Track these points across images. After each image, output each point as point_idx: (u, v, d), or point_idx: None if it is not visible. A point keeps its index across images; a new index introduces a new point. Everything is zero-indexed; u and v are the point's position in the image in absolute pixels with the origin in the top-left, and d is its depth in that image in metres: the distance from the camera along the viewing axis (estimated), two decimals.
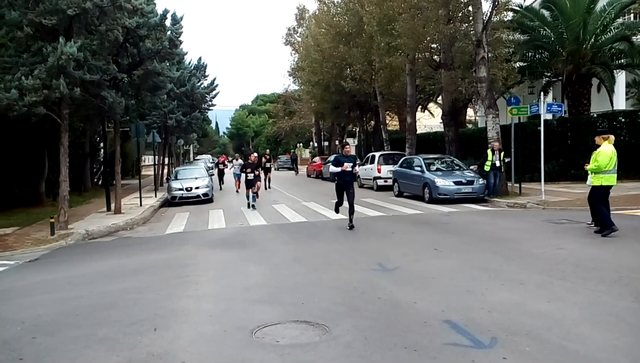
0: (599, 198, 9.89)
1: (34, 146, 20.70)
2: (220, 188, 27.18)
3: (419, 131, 29.65)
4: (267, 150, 42.82)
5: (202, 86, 32.77)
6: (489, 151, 16.91)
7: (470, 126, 36.12)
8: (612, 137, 10.07)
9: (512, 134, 17.75)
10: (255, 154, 21.54)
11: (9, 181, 19.78)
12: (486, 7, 18.25)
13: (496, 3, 17.76)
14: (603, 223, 9.77)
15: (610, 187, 10.02)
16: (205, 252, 10.10)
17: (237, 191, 23.68)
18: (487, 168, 16.82)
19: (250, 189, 17.94)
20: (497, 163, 16.69)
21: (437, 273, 7.25)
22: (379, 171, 22.85)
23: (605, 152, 9.76)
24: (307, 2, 68.17)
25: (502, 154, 16.90)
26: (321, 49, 31.64)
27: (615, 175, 9.94)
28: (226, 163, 31.46)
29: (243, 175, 19.01)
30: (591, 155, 10.19)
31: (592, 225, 10.40)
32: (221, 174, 29.62)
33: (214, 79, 34.52)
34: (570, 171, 20.03)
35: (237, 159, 27.60)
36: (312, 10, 40.79)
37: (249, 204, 17.76)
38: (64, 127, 13.90)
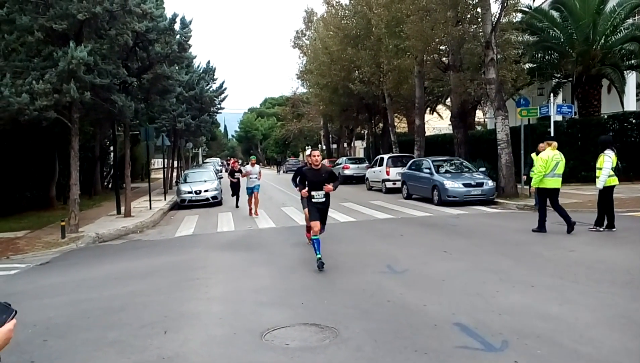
0: (542, 199, 10.85)
1: (45, 150, 20.86)
2: (237, 205, 19.54)
3: (427, 133, 29.59)
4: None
5: (210, 89, 32.88)
6: (534, 155, 13.81)
7: (479, 127, 35.97)
8: (555, 143, 10.79)
9: (522, 135, 17.65)
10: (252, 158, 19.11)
11: (21, 184, 19.94)
12: (495, 8, 18.16)
13: (505, 4, 17.69)
14: (540, 222, 10.62)
15: (555, 189, 10.62)
16: (215, 255, 10.12)
17: (251, 214, 16.46)
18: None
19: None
20: None
21: (446, 276, 7.22)
22: (388, 173, 22.81)
23: (541, 157, 10.65)
24: (315, 5, 68.52)
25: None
26: (329, 51, 31.66)
27: (559, 179, 10.60)
28: (241, 168, 20.27)
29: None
30: (597, 158, 10.43)
31: (595, 228, 10.37)
32: (235, 187, 20.00)
33: (223, 83, 34.52)
34: (581, 173, 19.88)
35: (252, 165, 17.18)
36: (320, 13, 40.83)
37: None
38: (75, 131, 13.99)
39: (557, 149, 10.69)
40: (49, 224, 15.65)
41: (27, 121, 13.32)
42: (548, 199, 10.68)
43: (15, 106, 12.20)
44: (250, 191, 16.49)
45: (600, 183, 10.23)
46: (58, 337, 5.51)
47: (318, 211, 8.45)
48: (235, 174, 20.00)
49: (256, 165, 17.15)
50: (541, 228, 10.57)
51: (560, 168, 10.57)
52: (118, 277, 8.52)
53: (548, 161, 10.47)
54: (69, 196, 14.87)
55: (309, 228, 9.45)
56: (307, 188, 8.52)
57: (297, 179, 9.66)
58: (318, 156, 8.62)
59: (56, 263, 10.53)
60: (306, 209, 9.53)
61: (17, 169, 19.49)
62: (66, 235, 12.90)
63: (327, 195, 8.51)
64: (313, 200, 8.42)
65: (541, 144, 10.89)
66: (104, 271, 9.22)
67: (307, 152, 13.21)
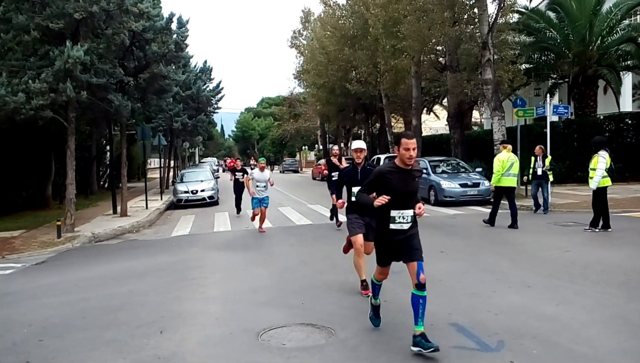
0: (497, 196, 12.10)
1: (41, 150, 20.79)
2: (238, 213, 16.85)
3: (424, 134, 29.61)
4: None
5: (207, 89, 32.85)
6: (533, 158, 14.29)
7: (476, 128, 36.01)
8: (510, 146, 12.28)
9: (518, 136, 17.69)
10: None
11: (16, 184, 19.86)
12: (492, 9, 18.21)
13: (502, 5, 17.74)
14: (491, 216, 11.84)
15: (511, 188, 11.86)
16: (212, 255, 10.11)
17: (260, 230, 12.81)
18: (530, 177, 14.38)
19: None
20: (539, 171, 13.85)
21: (443, 276, 7.22)
22: None
23: (497, 158, 11.99)
24: (312, 4, 68.42)
25: (548, 160, 13.94)
26: (326, 51, 31.66)
27: (514, 178, 11.92)
28: (247, 170, 16.58)
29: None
30: (591, 159, 10.58)
31: (591, 229, 10.41)
32: (239, 189, 16.93)
33: (220, 82, 34.61)
34: (577, 173, 19.93)
35: (262, 169, 12.80)
36: (318, 13, 40.86)
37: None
38: (71, 130, 13.96)
39: (553, 149, 10.88)
40: (44, 224, 15.60)
41: (23, 120, 13.28)
42: (495, 193, 12.19)
43: (12, 105, 12.16)
44: (257, 204, 12.57)
45: (593, 184, 10.28)
46: (54, 337, 5.49)
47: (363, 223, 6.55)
48: (237, 173, 17.18)
49: (267, 170, 12.74)
50: (492, 221, 11.76)
51: (515, 169, 11.85)
52: (114, 277, 8.50)
53: (504, 163, 11.74)
54: (65, 196, 14.83)
55: (350, 245, 6.97)
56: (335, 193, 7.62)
57: (335, 181, 8.16)
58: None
59: (52, 262, 10.50)
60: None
61: (13, 169, 19.42)
62: (62, 234, 12.86)
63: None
64: (353, 199, 6.78)
65: (500, 147, 12.60)
66: (100, 271, 9.19)
67: (353, 146, 7.02)
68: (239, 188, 16.93)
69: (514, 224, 11.31)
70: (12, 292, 7.86)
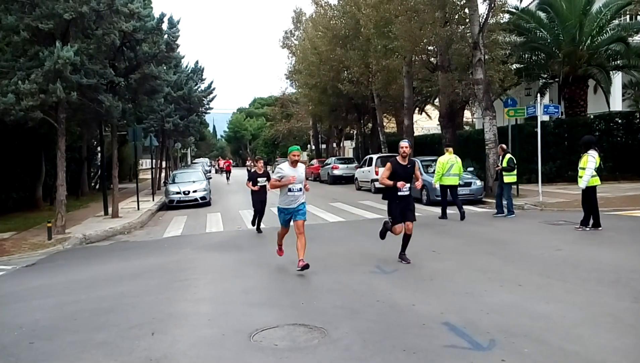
0: (442, 193, 13.62)
1: (31, 151, 20.65)
2: (259, 229, 12.85)
3: (416, 133, 29.67)
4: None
5: (199, 89, 32.76)
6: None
7: (467, 127, 36.14)
8: (451, 149, 13.97)
9: (509, 135, 17.76)
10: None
11: (6, 185, 19.71)
12: (482, 9, 18.28)
13: (492, 5, 17.80)
14: (443, 211, 13.35)
15: (453, 186, 13.45)
16: (204, 256, 10.08)
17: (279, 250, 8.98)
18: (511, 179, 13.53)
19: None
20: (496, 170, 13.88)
21: (435, 275, 7.25)
22: (377, 173, 22.78)
23: (439, 160, 13.76)
24: (304, 5, 68.48)
25: (506, 159, 13.37)
26: (318, 51, 31.66)
27: (455, 177, 13.50)
28: (269, 172, 13.69)
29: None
30: (580, 158, 10.65)
31: (582, 228, 10.48)
32: (261, 201, 12.77)
33: (211, 83, 34.43)
34: (568, 173, 20.06)
35: (294, 164, 8.21)
36: (309, 13, 40.89)
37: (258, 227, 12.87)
38: (61, 131, 13.87)
39: (544, 148, 10.96)
40: (35, 226, 15.49)
41: (12, 121, 13.19)
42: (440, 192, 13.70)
43: (1, 106, 12.09)
44: (288, 216, 8.23)
45: (583, 183, 10.35)
46: (45, 339, 5.45)
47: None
48: (259, 180, 12.59)
49: (300, 164, 8.30)
50: (443, 215, 13.21)
51: (455, 169, 13.47)
52: (105, 278, 8.46)
53: (445, 164, 13.47)
54: (55, 197, 14.74)
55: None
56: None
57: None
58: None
59: (42, 264, 10.43)
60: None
61: (3, 170, 19.27)
62: (53, 236, 12.79)
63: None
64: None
65: (445, 149, 14.21)
66: (91, 272, 9.14)
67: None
68: (260, 199, 12.65)
69: (462, 217, 12.74)
70: (2, 294, 7.80)
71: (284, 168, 8.16)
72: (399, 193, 7.99)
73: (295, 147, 8.36)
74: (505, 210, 13.22)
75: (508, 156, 13.45)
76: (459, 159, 13.82)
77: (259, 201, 12.73)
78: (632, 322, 5.10)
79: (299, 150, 8.36)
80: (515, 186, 17.61)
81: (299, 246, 7.91)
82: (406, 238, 8.21)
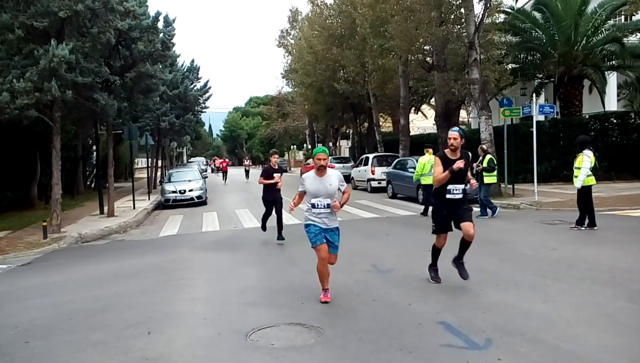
0: (425, 191, 13.88)
1: (26, 149, 20.56)
2: (281, 237, 10.85)
3: (412, 133, 29.73)
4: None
5: (195, 88, 32.68)
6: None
7: (463, 127, 36.22)
8: (431, 150, 13.97)
9: (505, 135, 17.81)
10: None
11: (1, 184, 19.62)
12: (478, 9, 18.31)
13: (488, 5, 17.83)
14: (425, 208, 13.73)
15: (430, 185, 12.88)
16: (200, 255, 10.06)
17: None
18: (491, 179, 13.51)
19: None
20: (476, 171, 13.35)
21: None
22: (373, 172, 22.87)
23: (419, 161, 13.95)
24: (300, 4, 68.36)
25: (486, 159, 13.38)
26: (314, 51, 31.65)
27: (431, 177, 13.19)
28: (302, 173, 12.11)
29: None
30: (576, 158, 10.69)
31: (577, 227, 10.52)
32: (271, 201, 11.27)
33: (207, 82, 34.32)
34: (563, 172, 20.11)
35: (323, 165, 6.25)
36: (305, 12, 40.81)
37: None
38: (56, 130, 13.82)
39: (539, 148, 10.96)
40: (30, 225, 15.43)
41: (7, 119, 13.13)
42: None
43: None
44: (320, 239, 6.17)
45: (578, 183, 10.39)
46: (40, 339, 5.43)
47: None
48: (275, 175, 11.12)
49: (332, 171, 6.44)
50: (425, 212, 13.52)
51: None
52: (101, 278, 8.43)
53: (425, 165, 13.53)
54: (50, 196, 14.67)
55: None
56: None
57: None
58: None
59: (38, 263, 10.39)
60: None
61: None
62: (48, 235, 12.74)
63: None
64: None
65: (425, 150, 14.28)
66: (87, 271, 9.11)
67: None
68: (272, 197, 11.17)
69: (423, 213, 13.59)
70: None
71: (306, 179, 6.31)
72: (449, 196, 6.52)
73: (321, 148, 6.43)
74: (489, 211, 13.08)
75: (488, 156, 13.49)
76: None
77: (269, 200, 11.19)
78: (627, 322, 5.13)
79: (325, 152, 6.33)
80: (511, 186, 17.70)
81: (323, 277, 6.32)
82: (465, 245, 6.61)
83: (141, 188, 28.11)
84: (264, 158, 77.94)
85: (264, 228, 11.59)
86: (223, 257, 9.73)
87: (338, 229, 6.34)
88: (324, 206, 6.15)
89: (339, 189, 6.26)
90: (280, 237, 10.85)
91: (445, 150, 6.72)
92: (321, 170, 6.22)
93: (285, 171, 50.87)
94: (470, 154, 6.94)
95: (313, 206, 6.20)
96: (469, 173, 6.85)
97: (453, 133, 6.63)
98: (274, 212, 11.18)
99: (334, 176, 6.26)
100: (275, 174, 11.18)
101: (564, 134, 21.12)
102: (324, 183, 6.17)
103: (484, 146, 14.13)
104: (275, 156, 11.68)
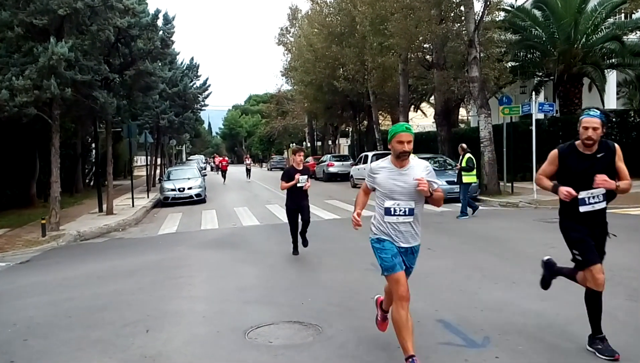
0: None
1: (25, 147, 20.54)
2: (296, 250, 9.19)
3: None
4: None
5: (194, 86, 32.68)
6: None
7: (462, 125, 36.22)
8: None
9: (504, 133, 17.81)
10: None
11: (0, 182, 19.61)
12: (478, 7, 18.33)
13: (488, 3, 17.83)
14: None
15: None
16: (199, 253, 10.06)
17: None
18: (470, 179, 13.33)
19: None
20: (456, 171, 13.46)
21: (430, 273, 7.25)
22: None
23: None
24: (299, 2, 68.25)
25: (465, 158, 13.19)
26: (314, 49, 31.66)
27: None
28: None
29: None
30: None
31: None
32: (295, 212, 9.07)
33: (207, 79, 34.51)
34: None
35: (402, 157, 4.13)
36: (305, 10, 40.84)
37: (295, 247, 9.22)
38: (55, 128, 13.81)
39: (539, 146, 10.94)
40: (29, 223, 15.42)
41: (6, 117, 13.12)
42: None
43: None
44: (399, 263, 4.25)
45: None
46: (39, 337, 5.44)
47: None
48: (298, 178, 8.89)
49: (418, 161, 4.34)
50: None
51: None
52: (100, 276, 8.43)
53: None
54: (49, 194, 14.67)
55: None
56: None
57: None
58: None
59: (37, 261, 10.38)
60: None
61: None
62: (47, 233, 12.73)
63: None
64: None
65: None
66: (86, 269, 9.11)
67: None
68: (296, 204, 9.09)
69: None
70: None
71: (378, 171, 4.35)
72: (582, 208, 4.47)
73: (403, 125, 4.24)
74: (471, 210, 12.93)
75: (467, 155, 13.13)
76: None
77: (293, 209, 9.05)
78: (626, 320, 5.14)
79: (410, 131, 4.21)
80: (510, 184, 17.71)
81: (382, 308, 4.78)
82: (595, 301, 4.48)
83: (140, 186, 28.11)
84: (262, 156, 77.86)
85: (295, 250, 9.15)
86: (222, 255, 9.73)
87: (419, 247, 4.43)
88: (404, 211, 4.22)
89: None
90: (296, 251, 9.17)
91: (576, 142, 4.65)
92: (402, 158, 4.18)
93: (312, 176, 47.67)
94: (616, 145, 4.68)
95: (387, 211, 4.29)
96: (620, 166, 4.62)
97: (591, 120, 4.43)
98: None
99: (419, 167, 4.22)
100: (300, 178, 8.89)
101: (563, 133, 21.10)
102: (406, 179, 4.16)
103: (464, 145, 13.66)
104: (300, 153, 9.21)
